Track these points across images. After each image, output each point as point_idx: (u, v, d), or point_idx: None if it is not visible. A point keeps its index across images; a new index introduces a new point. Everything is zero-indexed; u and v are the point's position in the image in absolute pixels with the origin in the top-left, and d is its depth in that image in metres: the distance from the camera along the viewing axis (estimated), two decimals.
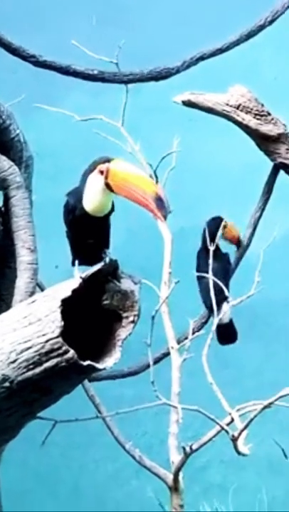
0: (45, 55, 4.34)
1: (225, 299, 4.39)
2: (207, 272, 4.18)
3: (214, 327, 4.04)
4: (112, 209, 3.22)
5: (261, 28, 4.43)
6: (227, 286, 4.47)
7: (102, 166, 3.11)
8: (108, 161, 3.13)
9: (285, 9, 4.46)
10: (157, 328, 4.01)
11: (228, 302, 4.41)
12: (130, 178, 3.15)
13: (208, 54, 4.33)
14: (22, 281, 3.85)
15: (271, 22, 4.46)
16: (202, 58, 4.32)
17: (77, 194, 3.17)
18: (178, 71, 4.35)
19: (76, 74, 4.19)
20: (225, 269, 4.51)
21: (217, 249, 4.39)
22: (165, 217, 3.18)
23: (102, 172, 3.12)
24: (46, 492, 6.54)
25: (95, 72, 4.20)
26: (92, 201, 3.15)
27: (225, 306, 4.41)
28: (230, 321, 4.54)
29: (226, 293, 4.31)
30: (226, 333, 4.54)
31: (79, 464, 6.58)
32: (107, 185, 3.13)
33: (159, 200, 3.13)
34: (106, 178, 3.11)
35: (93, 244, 3.22)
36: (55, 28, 6.35)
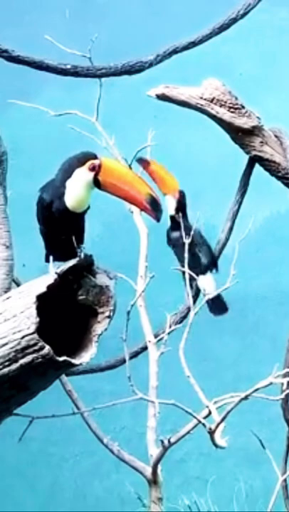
0: (19, 49, 4.31)
1: (207, 269, 4.33)
2: (181, 245, 4.15)
3: (191, 320, 4.04)
4: (88, 206, 3.21)
5: (234, 21, 4.43)
6: (212, 256, 4.38)
7: (94, 162, 3.08)
8: (96, 157, 3.10)
9: (256, 2, 4.46)
10: (134, 322, 4.02)
11: (212, 272, 4.36)
12: (126, 177, 3.15)
13: (180, 47, 4.32)
14: None
15: (243, 15, 4.46)
16: (175, 52, 4.31)
17: (53, 189, 3.14)
18: (151, 64, 4.34)
19: (49, 69, 4.16)
20: (199, 241, 4.41)
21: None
22: (159, 219, 3.17)
23: (93, 168, 3.08)
24: (25, 488, 6.53)
25: (68, 66, 4.18)
26: (75, 196, 3.12)
27: (208, 278, 4.35)
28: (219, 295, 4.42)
29: (205, 262, 4.27)
30: (217, 306, 4.41)
31: (58, 459, 6.58)
32: (96, 181, 3.11)
33: (154, 201, 3.14)
34: (97, 174, 3.09)
35: (68, 240, 3.20)
36: (29, 22, 6.33)
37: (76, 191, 3.11)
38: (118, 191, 3.15)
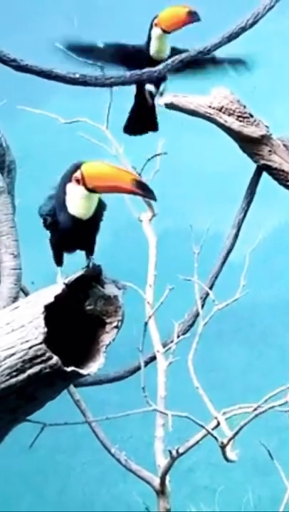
0: (27, 57, 4.31)
1: None
2: None
3: (200, 330, 4.03)
4: (102, 213, 3.20)
5: (242, 30, 4.40)
6: None
7: (76, 175, 3.10)
8: (79, 166, 3.11)
9: (266, 11, 4.43)
10: (142, 331, 4.01)
11: None
12: (108, 175, 3.15)
13: (189, 57, 4.31)
14: (5, 286, 3.83)
15: (252, 24, 4.43)
16: (182, 62, 4.30)
17: (56, 204, 3.15)
18: (160, 74, 4.32)
19: (58, 78, 4.14)
20: None
21: None
22: (155, 198, 3.18)
23: (78, 181, 3.11)
24: (33, 495, 6.52)
25: (77, 75, 4.15)
26: (78, 206, 3.14)
27: None
28: None
29: None
30: None
31: (65, 468, 6.58)
32: (89, 190, 3.12)
33: (141, 184, 3.14)
34: (84, 184, 3.11)
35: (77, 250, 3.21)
36: (37, 30, 6.32)
37: (75, 203, 3.13)
38: (109, 189, 3.17)
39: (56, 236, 3.20)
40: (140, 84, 4.57)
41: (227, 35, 4.36)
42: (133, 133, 4.68)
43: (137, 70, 4.23)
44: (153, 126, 4.67)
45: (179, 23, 4.46)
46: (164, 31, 4.45)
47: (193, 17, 4.42)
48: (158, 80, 4.49)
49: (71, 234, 3.16)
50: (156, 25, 4.45)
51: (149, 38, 4.49)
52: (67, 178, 3.13)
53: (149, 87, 4.56)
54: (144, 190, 3.15)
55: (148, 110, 4.63)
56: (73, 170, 3.12)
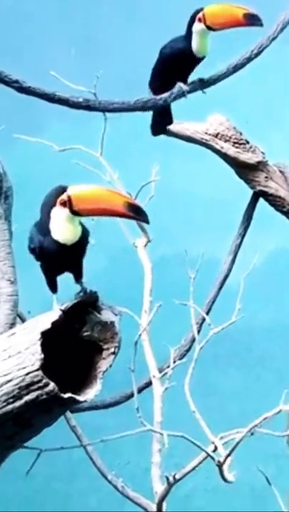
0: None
1: None
2: None
3: (196, 355, 4.04)
4: (87, 239, 3.19)
5: (248, 60, 4.42)
6: None
7: (62, 198, 3.09)
8: (64, 189, 3.10)
9: (270, 42, 4.47)
10: (139, 356, 4.01)
11: None
12: (99, 197, 3.13)
13: (194, 88, 4.33)
14: (2, 312, 3.83)
15: (257, 54, 4.44)
16: (188, 92, 4.33)
17: (40, 231, 3.13)
18: (165, 102, 4.32)
19: (61, 101, 4.10)
20: None
21: None
22: (148, 220, 3.17)
23: (64, 203, 3.09)
24: None
25: (80, 100, 4.13)
26: (62, 231, 3.12)
27: None
28: None
29: None
30: None
31: (63, 495, 6.54)
32: (75, 213, 3.11)
33: (134, 207, 3.12)
34: (70, 207, 3.09)
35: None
36: (34, 58, 6.38)
37: (59, 227, 3.11)
38: (97, 212, 3.14)
39: (43, 261, 3.19)
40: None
41: (233, 65, 4.37)
42: (157, 134, 4.58)
43: (142, 97, 4.20)
44: (169, 121, 4.54)
45: (230, 22, 4.20)
46: (209, 28, 4.19)
47: (251, 21, 4.16)
48: (162, 107, 4.43)
49: (57, 259, 3.14)
50: (199, 20, 4.18)
51: (190, 34, 4.22)
52: (51, 203, 3.10)
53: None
54: (136, 213, 3.12)
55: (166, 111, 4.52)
56: (58, 193, 3.09)
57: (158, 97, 4.25)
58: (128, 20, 7.17)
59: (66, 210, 3.08)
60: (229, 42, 4.37)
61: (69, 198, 3.07)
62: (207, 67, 4.37)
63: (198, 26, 4.24)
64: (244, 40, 4.45)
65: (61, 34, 6.67)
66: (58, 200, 3.08)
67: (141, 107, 4.26)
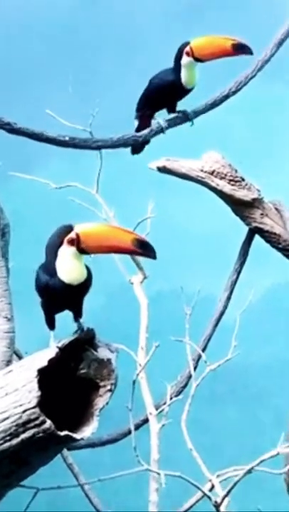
0: (22, 123, 4.41)
1: None
2: None
3: (193, 392, 4.03)
4: (91, 280, 3.21)
5: (226, 97, 4.58)
6: None
7: (70, 236, 3.11)
8: (70, 228, 3.13)
9: (248, 80, 4.60)
10: (135, 393, 4.00)
11: None
12: (106, 234, 3.17)
13: (173, 123, 4.50)
14: None
15: (235, 92, 4.60)
16: (167, 128, 4.47)
17: (47, 270, 3.16)
18: (145, 138, 4.50)
19: (48, 140, 4.29)
20: None
21: None
22: (156, 256, 3.18)
23: (71, 242, 3.11)
24: None
25: (67, 138, 4.31)
26: (68, 270, 3.14)
27: None
28: None
29: None
30: None
31: None
32: (82, 251, 3.13)
33: (142, 243, 3.15)
34: (78, 245, 3.12)
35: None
36: (32, 96, 6.43)
37: (66, 266, 3.13)
38: (105, 249, 3.18)
39: (47, 301, 3.20)
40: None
41: (210, 102, 4.55)
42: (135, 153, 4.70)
43: (123, 134, 4.39)
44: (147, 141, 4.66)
45: (218, 53, 4.38)
46: (197, 60, 4.39)
47: (240, 50, 4.35)
48: (142, 143, 4.56)
49: (61, 299, 3.16)
50: (187, 54, 4.38)
51: (178, 67, 4.43)
52: (58, 242, 3.13)
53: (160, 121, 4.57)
54: (145, 249, 3.15)
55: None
56: (65, 232, 3.12)
57: (138, 134, 4.47)
58: (124, 59, 7.25)
59: (73, 249, 3.10)
60: (210, 80, 4.46)
61: (77, 235, 3.10)
62: (190, 102, 4.48)
63: (186, 59, 4.39)
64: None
65: (58, 72, 6.74)
66: (66, 239, 3.10)
67: (123, 143, 4.44)
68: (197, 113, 4.63)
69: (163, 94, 4.52)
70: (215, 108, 4.58)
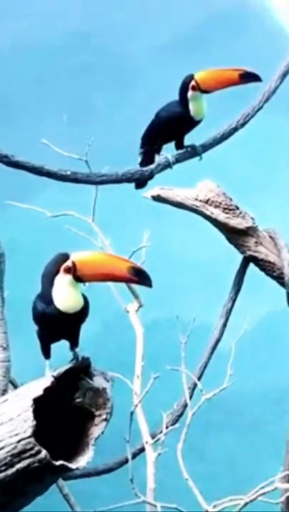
0: (17, 152, 4.41)
1: None
2: None
3: (188, 420, 4.02)
4: (88, 309, 3.21)
5: (234, 130, 4.55)
6: None
7: (66, 264, 3.13)
8: (66, 256, 3.15)
9: (255, 112, 4.59)
10: (131, 422, 3.99)
11: None
12: (102, 263, 3.18)
13: (181, 159, 4.47)
14: None
15: (243, 124, 4.58)
16: (174, 162, 4.45)
17: (43, 299, 3.17)
18: (152, 173, 4.46)
19: (49, 174, 4.22)
20: None
21: None
22: (151, 284, 3.19)
23: (68, 270, 3.12)
24: None
25: (68, 173, 4.24)
26: (64, 299, 3.15)
27: None
28: None
29: None
30: None
31: None
32: (78, 279, 3.15)
33: (138, 271, 3.16)
34: (74, 273, 3.13)
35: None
36: (27, 126, 6.48)
37: (63, 294, 3.14)
38: (101, 278, 3.19)
39: (44, 329, 3.21)
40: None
41: (219, 136, 4.53)
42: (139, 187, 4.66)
43: (129, 169, 4.35)
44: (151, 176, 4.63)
45: (226, 83, 4.41)
46: (204, 91, 4.40)
47: (248, 79, 4.39)
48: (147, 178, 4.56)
49: (58, 327, 3.17)
50: (193, 88, 4.39)
51: (185, 101, 4.43)
52: (54, 271, 3.14)
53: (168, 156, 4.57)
54: (140, 277, 3.16)
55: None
56: (61, 260, 3.14)
57: (145, 168, 4.44)
58: (119, 89, 7.31)
59: (69, 277, 3.12)
60: (214, 112, 4.48)
61: (73, 264, 3.11)
62: (195, 136, 4.49)
63: (192, 93, 4.39)
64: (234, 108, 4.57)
65: (53, 102, 6.78)
66: (62, 267, 3.12)
67: (128, 178, 4.40)
68: (206, 147, 4.59)
69: (172, 126, 4.51)
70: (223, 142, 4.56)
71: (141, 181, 4.61)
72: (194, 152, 4.59)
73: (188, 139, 4.58)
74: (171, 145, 4.56)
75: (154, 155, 4.59)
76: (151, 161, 4.58)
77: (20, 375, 4.03)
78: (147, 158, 4.61)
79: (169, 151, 4.54)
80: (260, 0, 7.87)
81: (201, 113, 4.47)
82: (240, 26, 7.58)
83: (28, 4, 7.56)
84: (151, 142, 4.57)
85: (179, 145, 4.55)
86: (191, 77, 4.41)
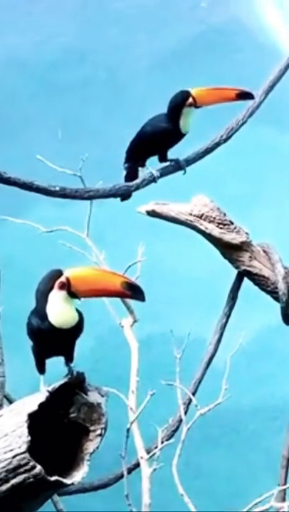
0: (12, 168, 4.44)
1: None
2: None
3: (184, 436, 4.02)
4: (82, 324, 3.22)
5: (217, 145, 4.62)
6: None
7: (60, 280, 3.14)
8: (60, 272, 3.15)
9: (239, 126, 4.64)
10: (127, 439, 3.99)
11: None
12: (96, 278, 3.19)
13: (165, 173, 4.54)
14: None
15: (226, 139, 4.64)
16: (159, 177, 4.52)
17: (38, 315, 3.17)
18: (137, 188, 4.53)
19: (39, 190, 4.30)
20: None
21: None
22: (144, 298, 3.20)
23: (62, 286, 3.13)
24: None
25: (57, 188, 4.32)
26: (58, 314, 3.16)
27: None
28: None
29: None
30: None
31: None
32: (72, 295, 3.15)
33: (132, 286, 3.17)
34: (68, 288, 3.14)
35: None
36: (22, 141, 6.49)
37: (57, 310, 3.15)
38: (95, 293, 3.21)
39: (38, 345, 3.21)
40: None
41: (202, 150, 4.59)
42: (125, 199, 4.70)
43: (115, 185, 4.42)
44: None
45: (220, 100, 4.49)
46: (197, 107, 4.47)
47: (243, 97, 4.48)
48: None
49: (52, 343, 3.18)
50: (190, 104, 4.43)
51: (176, 115, 4.47)
52: (48, 287, 3.15)
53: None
54: (134, 292, 3.18)
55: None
56: (55, 277, 3.15)
57: (130, 184, 4.50)
58: (114, 104, 7.33)
59: (64, 293, 3.12)
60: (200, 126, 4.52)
61: (67, 279, 3.12)
62: (181, 151, 4.53)
63: (187, 109, 4.43)
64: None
65: (48, 117, 6.81)
66: (57, 283, 3.12)
67: (114, 193, 4.45)
68: (189, 161, 4.66)
69: (159, 141, 4.56)
70: (207, 156, 4.62)
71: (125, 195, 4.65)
72: (178, 166, 4.64)
73: (172, 153, 4.63)
74: (155, 158, 4.61)
75: (137, 169, 4.64)
76: (135, 176, 4.62)
77: (15, 390, 4.02)
78: (131, 173, 4.66)
79: (152, 163, 4.59)
80: (253, 16, 7.92)
81: (189, 126, 4.52)
82: (233, 42, 7.62)
83: (22, 20, 7.59)
84: (137, 157, 4.62)
85: (163, 158, 4.60)
86: (188, 94, 4.45)
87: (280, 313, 4.19)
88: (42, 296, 3.15)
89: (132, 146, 4.65)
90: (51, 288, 3.13)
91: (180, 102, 4.46)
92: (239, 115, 4.68)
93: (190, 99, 4.44)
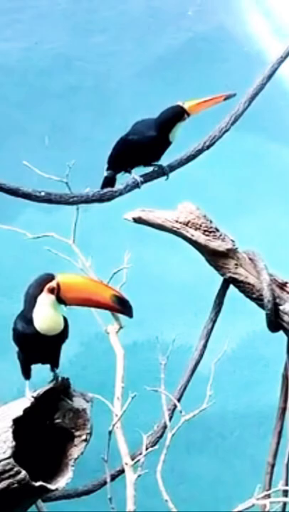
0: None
1: None
2: None
3: (168, 442, 4.02)
4: (67, 331, 3.22)
5: (200, 152, 4.66)
6: None
7: (51, 284, 3.14)
8: (52, 277, 3.15)
9: (222, 133, 4.68)
10: (111, 443, 3.99)
11: None
12: (86, 288, 3.20)
13: (149, 178, 4.57)
14: None
15: (209, 146, 4.69)
16: (142, 182, 4.55)
17: (23, 318, 3.18)
18: (121, 193, 4.56)
19: (25, 195, 4.33)
20: None
21: None
22: (132, 315, 3.21)
23: (52, 290, 3.13)
24: None
25: (42, 194, 4.36)
26: (44, 319, 3.16)
27: None
28: None
29: None
30: None
31: None
32: (61, 301, 3.15)
33: (121, 300, 3.18)
34: (58, 293, 3.14)
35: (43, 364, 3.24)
36: (9, 148, 6.49)
37: (43, 315, 3.15)
38: (83, 302, 3.21)
39: (23, 350, 3.21)
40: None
41: (185, 157, 4.64)
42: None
43: (99, 190, 4.46)
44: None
45: (209, 106, 4.54)
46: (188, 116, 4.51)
47: (227, 98, 4.54)
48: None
49: (37, 348, 3.18)
50: (184, 119, 4.48)
51: (167, 125, 4.50)
52: (37, 290, 3.15)
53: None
54: (123, 307, 3.19)
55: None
56: (46, 280, 3.15)
57: (114, 189, 4.52)
58: (101, 111, 7.35)
59: (52, 297, 3.12)
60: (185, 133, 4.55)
61: (58, 284, 3.12)
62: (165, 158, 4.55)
63: (182, 123, 4.47)
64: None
65: (35, 124, 6.81)
66: (47, 287, 3.12)
67: (98, 199, 4.49)
68: (173, 168, 4.69)
69: (146, 150, 4.58)
70: (193, 163, 4.65)
71: (109, 199, 4.68)
72: (161, 172, 4.67)
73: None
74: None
75: (115, 177, 4.65)
76: (113, 183, 4.65)
77: (1, 396, 4.02)
78: (110, 180, 4.68)
79: (135, 169, 4.62)
80: (239, 25, 7.97)
81: (176, 135, 4.55)
82: (220, 50, 7.66)
83: (10, 27, 7.61)
84: (120, 165, 4.63)
85: (147, 165, 4.63)
86: (183, 110, 4.48)
87: (265, 321, 4.20)
88: (31, 299, 3.15)
89: (114, 154, 4.66)
90: (41, 291, 3.14)
91: (173, 118, 4.51)
92: (222, 123, 4.73)
93: (184, 116, 4.49)
